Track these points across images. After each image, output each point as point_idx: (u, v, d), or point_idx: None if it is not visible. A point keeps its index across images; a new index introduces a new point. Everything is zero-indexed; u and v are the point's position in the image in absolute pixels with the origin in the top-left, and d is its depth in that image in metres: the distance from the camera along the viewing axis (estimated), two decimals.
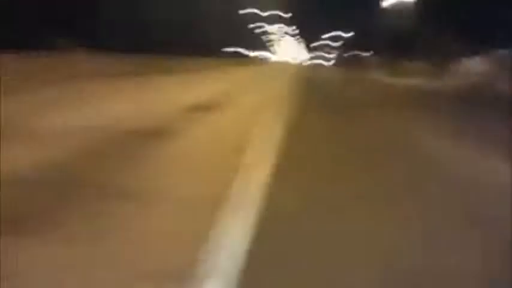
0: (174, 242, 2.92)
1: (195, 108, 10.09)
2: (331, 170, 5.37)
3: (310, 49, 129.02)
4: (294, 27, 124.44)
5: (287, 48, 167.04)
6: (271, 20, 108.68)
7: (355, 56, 66.06)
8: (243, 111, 10.79)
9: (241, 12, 75.83)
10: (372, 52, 53.89)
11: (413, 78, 36.55)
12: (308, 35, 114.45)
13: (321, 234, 3.19)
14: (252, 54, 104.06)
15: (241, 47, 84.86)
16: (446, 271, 2.76)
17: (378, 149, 7.18)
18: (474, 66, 37.22)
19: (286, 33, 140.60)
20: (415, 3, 41.22)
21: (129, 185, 4.11)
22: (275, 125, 8.11)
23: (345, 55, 71.37)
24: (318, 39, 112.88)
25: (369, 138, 8.22)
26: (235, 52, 78.73)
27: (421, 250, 3.04)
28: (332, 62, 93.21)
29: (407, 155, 6.81)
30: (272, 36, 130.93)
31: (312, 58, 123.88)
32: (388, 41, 46.63)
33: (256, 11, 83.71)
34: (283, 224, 3.33)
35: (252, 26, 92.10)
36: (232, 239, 2.95)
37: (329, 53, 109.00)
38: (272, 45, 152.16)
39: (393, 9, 46.41)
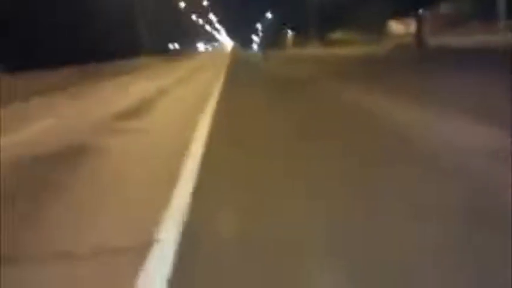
0: None
1: (122, 116, 9.47)
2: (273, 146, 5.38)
3: (242, 34, 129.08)
4: (222, 16, 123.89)
5: (224, 37, 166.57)
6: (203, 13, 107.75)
7: (285, 34, 66.12)
8: (169, 112, 10.23)
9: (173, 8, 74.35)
10: (302, 29, 54.05)
11: (347, 47, 37.08)
12: (238, 21, 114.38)
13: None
14: (197, 47, 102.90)
15: (180, 42, 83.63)
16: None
17: (335, 121, 6.94)
18: (400, 28, 38.25)
19: (217, 22, 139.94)
20: None
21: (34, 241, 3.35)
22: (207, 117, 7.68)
23: (275, 34, 71.17)
24: (248, 23, 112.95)
25: (322, 110, 8.01)
26: (175, 49, 77.68)
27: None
28: (263, 43, 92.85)
29: (364, 124, 6.56)
30: (207, 28, 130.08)
31: (243, 44, 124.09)
32: (317, 16, 46.84)
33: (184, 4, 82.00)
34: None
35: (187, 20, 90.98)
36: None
37: (260, 35, 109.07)
38: (212, 36, 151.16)
39: None
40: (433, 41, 27.96)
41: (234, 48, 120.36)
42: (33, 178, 5.12)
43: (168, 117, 9.35)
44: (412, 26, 33.91)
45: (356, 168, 4.23)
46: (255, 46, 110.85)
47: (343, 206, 3.30)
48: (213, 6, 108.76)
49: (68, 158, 5.91)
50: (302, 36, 55.05)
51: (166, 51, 66.87)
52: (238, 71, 24.48)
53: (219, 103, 10.11)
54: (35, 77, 20.89)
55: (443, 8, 32.90)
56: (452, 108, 6.60)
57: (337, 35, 44.10)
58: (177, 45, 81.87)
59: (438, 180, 3.71)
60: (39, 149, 6.60)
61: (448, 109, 6.61)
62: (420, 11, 30.43)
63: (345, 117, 7.07)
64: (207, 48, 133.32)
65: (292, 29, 62.06)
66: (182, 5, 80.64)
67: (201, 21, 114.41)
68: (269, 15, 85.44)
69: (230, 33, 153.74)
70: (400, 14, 35.46)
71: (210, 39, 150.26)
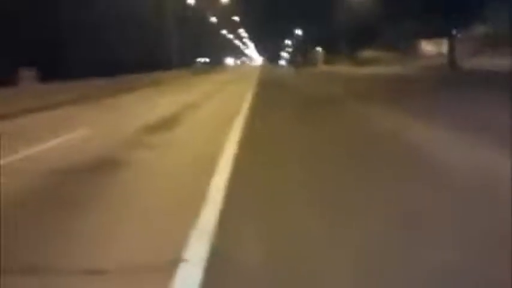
0: None
1: (151, 129, 9.57)
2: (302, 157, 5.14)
3: (270, 50, 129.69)
4: (251, 31, 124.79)
5: (255, 54, 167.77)
6: (235, 27, 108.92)
7: (315, 51, 66.18)
8: (199, 125, 10.29)
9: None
10: (332, 47, 54.00)
11: (375, 66, 36.83)
12: (268, 36, 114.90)
13: None
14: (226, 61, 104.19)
15: (210, 56, 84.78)
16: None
17: (353, 137, 6.88)
18: (431, 49, 37.83)
19: (247, 37, 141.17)
20: None
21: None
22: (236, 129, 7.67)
23: (309, 51, 71.33)
24: (278, 39, 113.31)
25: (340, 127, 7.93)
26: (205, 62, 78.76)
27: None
28: (293, 59, 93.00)
29: (384, 142, 6.54)
30: (235, 44, 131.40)
31: (272, 59, 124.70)
32: (347, 34, 46.77)
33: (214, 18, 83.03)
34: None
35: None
36: None
37: (289, 52, 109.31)
38: (243, 50, 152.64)
39: (350, 2, 46.59)
40: (466, 62, 27.54)
41: (263, 64, 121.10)
42: (61, 191, 5.16)
43: (196, 132, 9.40)
44: (444, 47, 33.52)
45: (377, 187, 4.24)
46: (284, 62, 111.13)
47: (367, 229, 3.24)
48: (243, 21, 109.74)
49: (97, 171, 5.96)
50: (332, 53, 55.02)
51: (196, 64, 67.71)
52: (267, 87, 24.50)
53: (248, 119, 10.13)
54: (67, 86, 21.41)
55: (477, 29, 32.46)
56: (475, 131, 6.62)
57: (367, 53, 43.91)
58: (206, 59, 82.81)
59: (459, 202, 3.71)
60: (68, 161, 6.68)
61: (471, 132, 6.60)
62: (453, 31, 30.07)
63: (369, 141, 6.98)
64: (236, 63, 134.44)
65: (323, 46, 62.05)
66: (213, 19, 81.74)
67: (231, 36, 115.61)
68: (299, 31, 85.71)
69: (259, 48, 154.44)
70: (432, 34, 35.12)
71: (239, 54, 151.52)
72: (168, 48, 49.13)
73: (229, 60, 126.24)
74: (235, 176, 5.03)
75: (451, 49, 29.42)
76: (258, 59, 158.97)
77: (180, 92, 23.17)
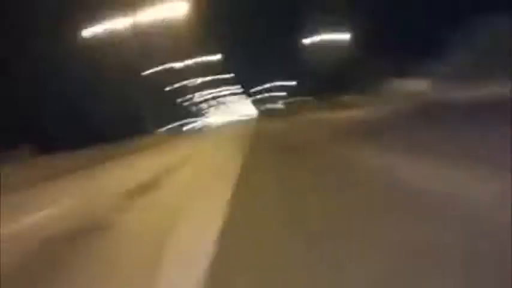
0: None
1: (131, 194, 9.67)
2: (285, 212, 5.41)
3: (254, 104, 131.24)
4: (236, 87, 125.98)
5: (234, 108, 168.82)
6: (213, 85, 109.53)
7: (295, 101, 67.35)
8: (179, 188, 10.36)
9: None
10: (310, 95, 55.13)
11: (354, 110, 37.34)
12: (249, 90, 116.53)
13: None
14: (193, 124, 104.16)
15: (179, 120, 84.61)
16: None
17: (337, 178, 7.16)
18: (408, 87, 38.54)
19: (230, 94, 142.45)
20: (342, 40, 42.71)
21: None
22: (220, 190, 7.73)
23: (287, 102, 72.75)
24: (259, 92, 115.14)
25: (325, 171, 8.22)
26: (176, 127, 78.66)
27: None
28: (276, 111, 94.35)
29: (363, 180, 6.86)
30: (213, 102, 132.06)
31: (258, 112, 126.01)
32: (323, 80, 47.76)
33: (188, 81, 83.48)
34: None
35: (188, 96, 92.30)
36: None
37: (273, 103, 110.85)
38: (214, 110, 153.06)
39: (322, 49, 47.84)
40: (441, 95, 27.96)
41: (246, 120, 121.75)
42: (45, 260, 5.39)
43: (175, 195, 9.41)
44: (419, 83, 34.24)
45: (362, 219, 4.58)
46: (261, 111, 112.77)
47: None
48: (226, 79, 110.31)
49: (78, 238, 6.19)
50: (305, 100, 56.03)
51: (176, 128, 67.99)
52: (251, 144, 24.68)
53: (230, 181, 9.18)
54: (49, 161, 21.61)
55: (451, 62, 33.10)
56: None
57: (343, 98, 44.55)
58: (185, 121, 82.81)
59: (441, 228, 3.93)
60: (52, 230, 6.99)
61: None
62: (427, 67, 30.75)
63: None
64: (219, 121, 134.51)
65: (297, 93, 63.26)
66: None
67: (211, 94, 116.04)
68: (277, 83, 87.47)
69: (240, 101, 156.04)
70: (405, 71, 35.81)
71: (221, 110, 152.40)
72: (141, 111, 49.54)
73: (211, 120, 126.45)
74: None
75: (426, 85, 30.14)
76: (240, 113, 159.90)
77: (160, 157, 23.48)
